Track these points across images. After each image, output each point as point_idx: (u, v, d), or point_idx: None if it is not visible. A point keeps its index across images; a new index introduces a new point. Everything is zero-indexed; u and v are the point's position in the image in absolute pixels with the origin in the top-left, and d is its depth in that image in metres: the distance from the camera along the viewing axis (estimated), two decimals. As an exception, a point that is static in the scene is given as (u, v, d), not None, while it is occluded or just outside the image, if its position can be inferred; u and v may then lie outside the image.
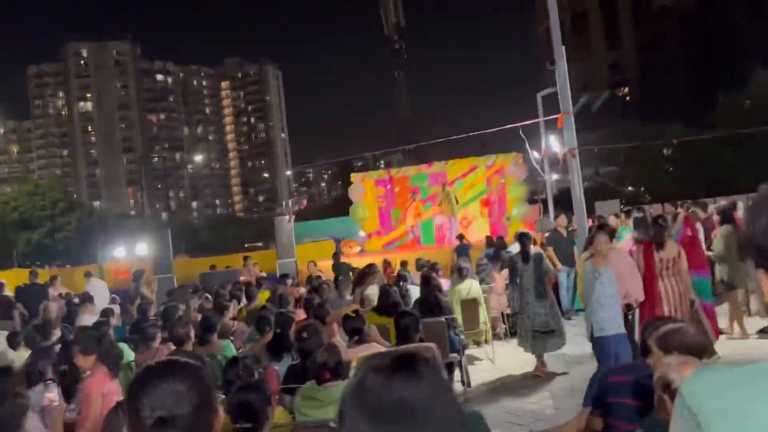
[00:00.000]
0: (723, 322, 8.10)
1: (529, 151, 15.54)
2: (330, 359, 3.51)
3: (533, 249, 8.00)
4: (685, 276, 6.69)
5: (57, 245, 34.55)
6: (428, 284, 7.29)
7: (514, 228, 19.84)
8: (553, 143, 10.78)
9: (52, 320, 8.50)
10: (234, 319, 7.81)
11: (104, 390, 4.16)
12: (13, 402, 3.13)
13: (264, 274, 15.08)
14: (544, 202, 18.61)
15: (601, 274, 6.14)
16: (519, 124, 11.40)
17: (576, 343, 8.10)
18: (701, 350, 2.80)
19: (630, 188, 43.31)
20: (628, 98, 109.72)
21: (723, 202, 11.77)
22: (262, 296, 10.26)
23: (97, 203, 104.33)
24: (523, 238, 7.91)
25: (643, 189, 42.00)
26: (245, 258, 16.11)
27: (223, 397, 3.57)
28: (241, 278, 14.03)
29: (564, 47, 8.03)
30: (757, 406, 0.99)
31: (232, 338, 6.96)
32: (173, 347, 5.65)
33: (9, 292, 12.36)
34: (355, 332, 5.10)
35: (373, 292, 7.78)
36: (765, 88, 32.78)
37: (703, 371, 1.10)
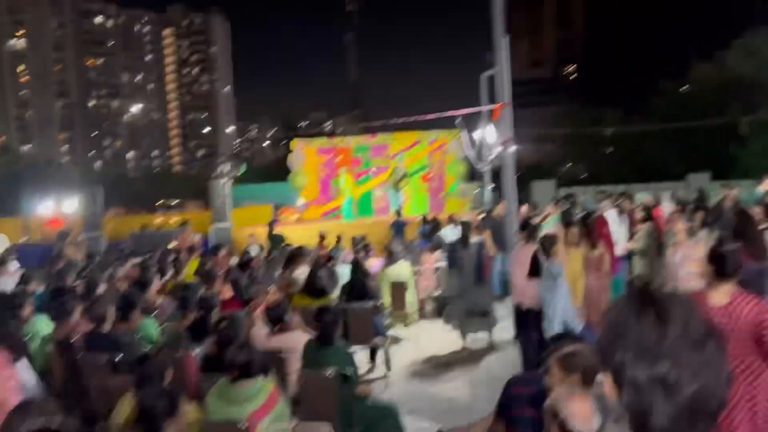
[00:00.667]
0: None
1: (465, 138, 15.68)
2: (240, 357, 3.50)
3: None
4: (607, 276, 6.93)
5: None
6: (357, 269, 7.35)
7: (451, 205, 20.22)
8: (490, 131, 10.90)
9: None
10: (160, 291, 7.68)
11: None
12: None
13: (197, 238, 14.87)
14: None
15: (561, 270, 6.22)
16: (457, 112, 11.45)
17: (501, 329, 8.44)
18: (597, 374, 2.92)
19: (569, 165, 44.48)
20: (573, 76, 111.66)
21: (648, 197, 12.18)
22: (192, 265, 10.12)
23: (25, 147, 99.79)
24: (463, 226, 8.19)
25: (579, 169, 43.17)
26: (183, 223, 15.74)
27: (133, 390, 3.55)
28: (173, 243, 13.79)
29: (506, 39, 8.05)
30: None
31: (155, 313, 6.86)
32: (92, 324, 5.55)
33: None
34: (278, 321, 5.11)
35: (301, 272, 7.78)
36: (703, 78, 33.87)
37: None
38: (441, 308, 10.29)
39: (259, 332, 5.14)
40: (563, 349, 3.07)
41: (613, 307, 1.32)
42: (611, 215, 9.88)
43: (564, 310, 6.09)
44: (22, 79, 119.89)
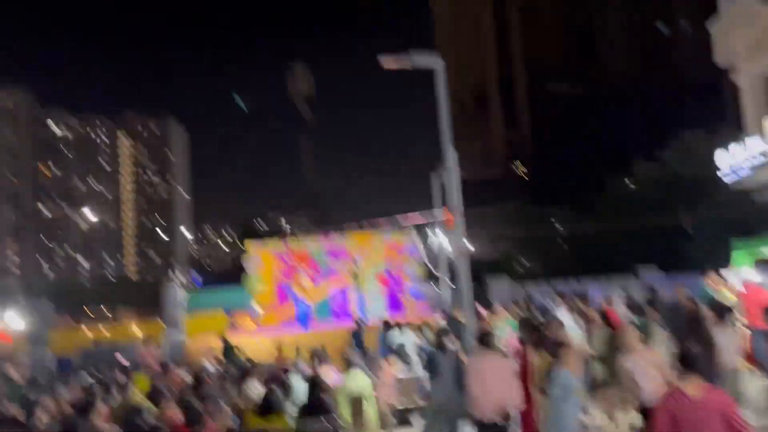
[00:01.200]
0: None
1: (422, 252, 15.96)
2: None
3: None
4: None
5: None
6: (315, 387, 7.13)
7: (410, 305, 20.15)
8: (444, 240, 11.13)
9: None
10: (107, 417, 7.24)
11: None
12: None
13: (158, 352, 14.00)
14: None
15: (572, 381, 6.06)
16: (410, 221, 11.69)
17: None
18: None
19: (522, 262, 45.34)
20: (523, 176, 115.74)
21: (602, 299, 12.36)
22: (140, 383, 9.64)
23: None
24: (440, 334, 8.14)
25: (533, 265, 44.06)
26: (147, 338, 14.99)
27: None
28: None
29: (453, 143, 8.33)
30: None
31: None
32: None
33: None
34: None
35: (255, 390, 7.51)
36: (646, 177, 35.52)
37: None
38: (403, 419, 10.00)
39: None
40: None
41: None
42: (566, 319, 9.97)
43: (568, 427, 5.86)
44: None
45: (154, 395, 7.85)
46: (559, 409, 5.93)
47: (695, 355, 4.39)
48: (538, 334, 7.23)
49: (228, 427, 4.98)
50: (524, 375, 7.07)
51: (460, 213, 8.28)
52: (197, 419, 5.98)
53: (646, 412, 5.80)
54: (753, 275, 11.73)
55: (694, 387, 4.26)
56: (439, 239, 12.45)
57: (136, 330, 23.01)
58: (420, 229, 16.16)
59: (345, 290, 19.68)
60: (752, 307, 9.72)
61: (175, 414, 6.97)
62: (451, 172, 8.09)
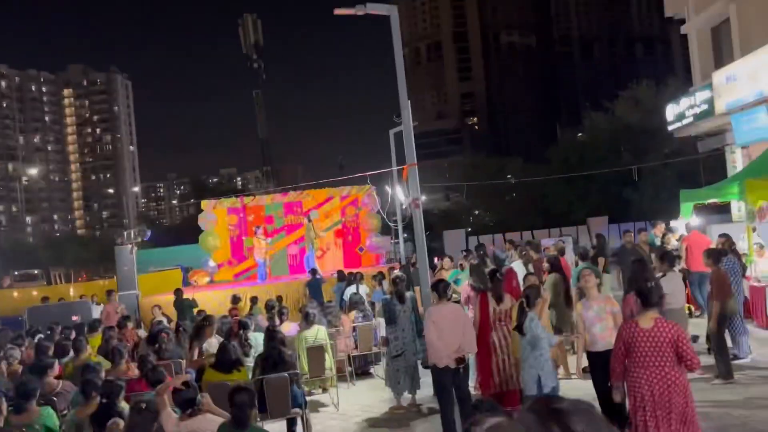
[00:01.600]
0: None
1: (377, 201, 15.92)
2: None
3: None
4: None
5: None
6: (272, 339, 7.15)
7: (366, 258, 20.28)
8: (399, 191, 11.14)
9: None
10: (59, 377, 7.14)
11: None
12: None
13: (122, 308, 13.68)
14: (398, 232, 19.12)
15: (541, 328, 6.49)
16: (366, 173, 11.65)
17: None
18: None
19: (476, 213, 45.96)
20: (476, 127, 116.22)
21: (551, 243, 12.68)
22: (93, 341, 9.52)
23: None
24: (397, 281, 8.18)
25: (487, 217, 44.66)
26: (109, 291, 14.63)
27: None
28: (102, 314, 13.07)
29: (408, 95, 8.27)
30: None
31: (55, 398, 6.38)
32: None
33: None
34: (188, 404, 4.86)
35: (212, 344, 7.50)
36: (596, 127, 36.07)
37: None
38: (359, 368, 10.17)
39: (169, 417, 4.87)
40: (484, 424, 3.08)
41: (521, 421, 1.33)
42: (518, 267, 10.19)
43: (543, 369, 6.25)
44: None
45: (107, 351, 7.78)
46: (526, 356, 6.24)
47: (649, 291, 4.91)
48: (493, 280, 7.38)
49: (185, 382, 4.96)
50: (482, 320, 7.26)
51: (415, 165, 8.28)
52: (154, 375, 5.95)
53: (595, 356, 6.02)
54: (695, 222, 12.18)
55: (647, 319, 4.76)
56: (395, 191, 12.46)
57: (87, 287, 22.62)
58: (376, 182, 16.12)
59: (301, 245, 19.62)
60: (694, 251, 10.15)
61: (132, 370, 6.93)
62: (406, 124, 8.05)
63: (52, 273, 59.03)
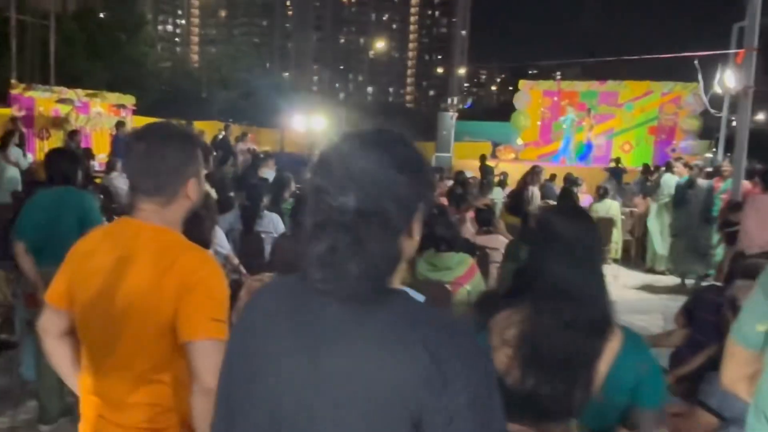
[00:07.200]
0: None
1: (701, 81, 14.23)
2: (447, 233, 3.99)
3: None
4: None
5: (248, 106, 37.54)
6: (566, 197, 7.47)
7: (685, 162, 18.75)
8: (730, 79, 9.78)
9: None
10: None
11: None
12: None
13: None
14: (718, 140, 17.21)
15: None
16: (695, 53, 10.50)
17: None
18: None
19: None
20: None
21: None
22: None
23: (285, 74, 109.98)
24: (692, 169, 8.08)
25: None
26: None
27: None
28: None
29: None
30: None
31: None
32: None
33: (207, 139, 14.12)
34: (484, 223, 5.53)
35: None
36: None
37: None
38: (644, 253, 10.00)
39: (469, 230, 5.62)
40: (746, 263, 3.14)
41: None
42: None
43: None
44: (288, 13, 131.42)
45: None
46: None
47: None
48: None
49: (486, 204, 5.63)
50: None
51: (755, 49, 7.42)
52: (456, 202, 6.76)
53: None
54: None
55: None
56: (724, 77, 10.99)
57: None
58: (705, 72, 14.23)
59: (609, 136, 18.95)
60: None
61: (443, 201, 7.91)
62: (755, 4, 7.19)
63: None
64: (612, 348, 1.61)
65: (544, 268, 1.63)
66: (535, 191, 8.43)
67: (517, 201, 7.12)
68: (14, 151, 8.92)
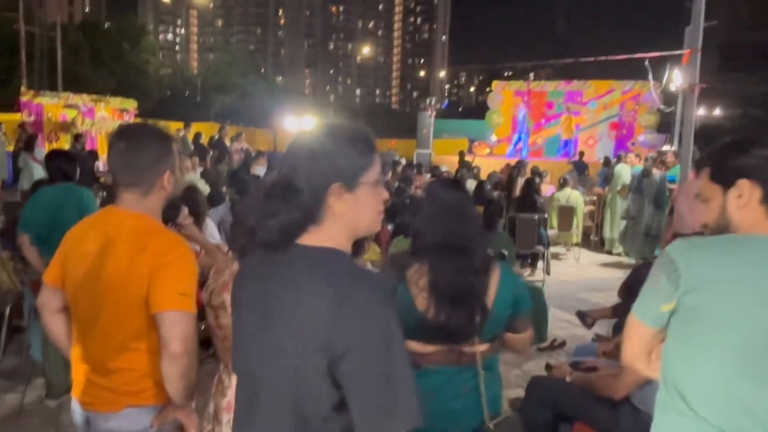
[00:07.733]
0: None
1: (651, 81, 14.46)
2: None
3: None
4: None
5: (243, 109, 37.41)
6: (529, 186, 7.60)
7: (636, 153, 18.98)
8: (678, 77, 9.93)
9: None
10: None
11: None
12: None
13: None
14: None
15: None
16: (646, 55, 10.68)
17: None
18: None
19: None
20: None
21: None
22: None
23: (279, 78, 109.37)
24: (647, 160, 8.24)
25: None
26: None
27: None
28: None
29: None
30: (723, 258, 1.31)
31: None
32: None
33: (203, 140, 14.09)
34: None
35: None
36: None
37: (682, 240, 1.40)
38: (603, 241, 10.17)
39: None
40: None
41: None
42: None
43: None
44: (280, 21, 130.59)
45: (401, 180, 9.02)
46: None
47: None
48: None
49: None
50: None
51: (698, 50, 7.55)
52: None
53: None
54: None
55: None
56: (672, 76, 11.19)
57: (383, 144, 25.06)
58: (656, 70, 14.39)
59: (575, 133, 19.11)
60: None
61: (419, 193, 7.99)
62: (698, 6, 7.31)
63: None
64: (494, 278, 1.95)
65: (434, 228, 1.93)
66: (520, 182, 8.69)
67: (477, 192, 7.31)
68: (38, 152, 9.40)
